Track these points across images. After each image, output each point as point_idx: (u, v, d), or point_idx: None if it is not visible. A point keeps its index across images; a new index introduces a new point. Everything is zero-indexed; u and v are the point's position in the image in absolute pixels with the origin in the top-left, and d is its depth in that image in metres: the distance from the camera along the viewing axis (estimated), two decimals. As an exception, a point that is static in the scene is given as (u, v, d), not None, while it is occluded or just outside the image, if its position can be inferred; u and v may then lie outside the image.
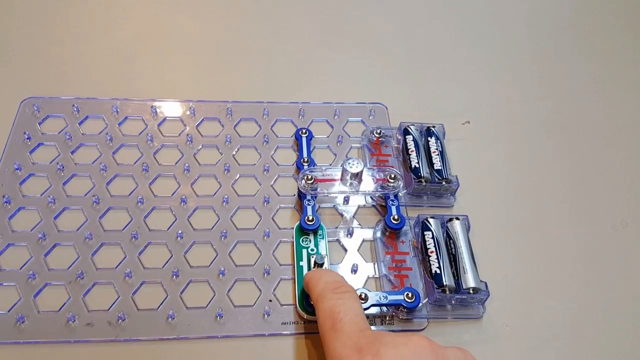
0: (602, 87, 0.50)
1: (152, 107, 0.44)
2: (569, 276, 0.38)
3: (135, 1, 0.52)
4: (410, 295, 0.34)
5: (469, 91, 0.48)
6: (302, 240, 0.37)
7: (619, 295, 0.38)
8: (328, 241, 0.38)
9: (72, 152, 0.40)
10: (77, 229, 0.37)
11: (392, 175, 0.39)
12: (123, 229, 0.37)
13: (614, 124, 0.47)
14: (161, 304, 0.34)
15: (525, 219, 0.41)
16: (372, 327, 0.35)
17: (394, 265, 0.37)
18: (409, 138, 0.42)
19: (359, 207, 0.40)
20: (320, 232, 0.38)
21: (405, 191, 0.40)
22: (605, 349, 0.35)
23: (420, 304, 0.35)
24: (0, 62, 0.46)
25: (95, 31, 0.49)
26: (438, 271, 0.35)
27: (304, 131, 0.43)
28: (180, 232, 0.37)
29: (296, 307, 0.35)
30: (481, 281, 0.35)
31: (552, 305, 0.37)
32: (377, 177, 0.40)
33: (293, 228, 0.38)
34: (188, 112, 0.44)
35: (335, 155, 0.43)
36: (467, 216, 0.38)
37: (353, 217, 0.40)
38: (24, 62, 0.46)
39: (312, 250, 0.37)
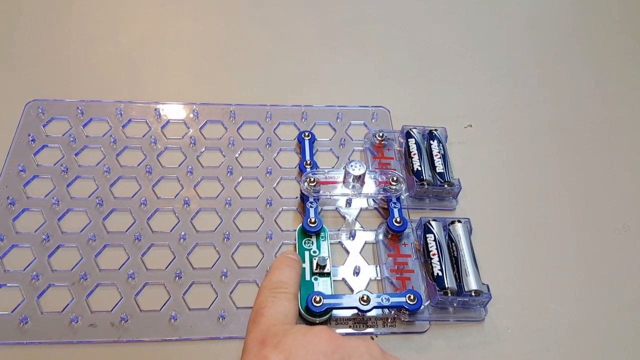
0: (604, 91, 0.50)
1: (155, 109, 0.44)
2: (571, 279, 0.38)
3: (139, 5, 0.52)
4: (412, 297, 0.34)
5: (471, 95, 0.49)
6: (305, 243, 0.37)
7: (621, 298, 0.38)
8: (330, 243, 0.38)
9: (76, 154, 0.41)
10: (81, 231, 0.37)
11: (395, 178, 0.39)
12: (126, 231, 0.37)
13: (616, 128, 0.47)
14: (164, 305, 0.34)
15: (527, 222, 0.41)
16: (372, 330, 0.35)
17: (396, 268, 0.37)
18: (412, 141, 0.42)
19: (361, 209, 0.40)
20: (322, 234, 0.38)
21: (407, 194, 0.40)
22: (607, 352, 0.35)
23: (422, 307, 0.35)
24: (6, 65, 0.46)
25: (99, 34, 0.49)
26: (440, 274, 0.35)
27: (306, 134, 0.43)
28: (183, 233, 0.37)
29: (299, 308, 0.35)
30: (483, 284, 0.35)
31: (554, 308, 0.37)
32: (380, 180, 0.40)
33: (295, 230, 0.38)
34: (191, 115, 0.44)
35: (338, 158, 0.43)
36: (469, 219, 0.39)
37: (355, 219, 0.40)
38: (29, 64, 0.46)
39: (314, 252, 0.37)
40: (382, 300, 0.34)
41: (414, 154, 0.41)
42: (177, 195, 0.39)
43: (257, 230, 0.38)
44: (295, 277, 0.31)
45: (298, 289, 0.31)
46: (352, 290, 0.36)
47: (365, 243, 0.39)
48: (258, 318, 0.28)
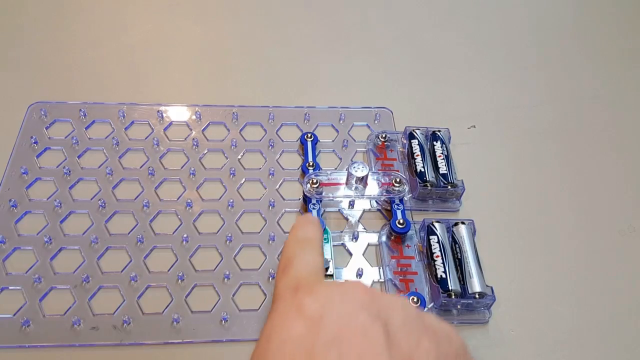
0: (608, 91, 0.50)
1: (158, 111, 0.44)
2: (576, 281, 0.38)
3: (141, 7, 0.52)
4: (415, 299, 0.34)
5: (475, 96, 0.48)
6: (307, 245, 0.37)
7: (625, 300, 0.37)
8: (333, 245, 0.38)
9: (79, 157, 0.41)
10: (83, 233, 0.37)
11: (398, 180, 0.39)
12: (129, 233, 0.37)
13: (620, 129, 0.47)
14: (166, 307, 0.34)
15: (531, 223, 0.41)
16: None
17: (399, 270, 0.37)
18: (415, 142, 0.42)
19: (364, 211, 0.40)
20: (325, 236, 0.38)
21: (410, 195, 0.40)
22: (612, 355, 0.35)
23: (426, 309, 0.34)
24: (8, 68, 0.46)
25: (102, 37, 0.49)
26: (444, 276, 0.35)
27: (309, 135, 0.43)
28: (185, 236, 0.37)
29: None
30: (487, 286, 0.35)
31: (559, 310, 0.37)
32: (383, 181, 0.40)
33: (298, 232, 0.38)
34: (194, 117, 0.44)
35: (341, 159, 0.43)
36: (472, 220, 0.38)
37: (358, 221, 0.40)
38: (32, 67, 0.46)
39: (317, 254, 0.37)
40: (385, 302, 0.34)
41: (417, 155, 0.41)
42: (179, 198, 0.39)
43: (259, 232, 0.38)
44: (319, 234, 0.31)
45: (322, 247, 0.31)
46: (355, 293, 0.36)
47: (368, 245, 0.38)
48: (287, 269, 0.27)
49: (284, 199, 0.40)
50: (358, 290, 0.25)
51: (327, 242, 0.37)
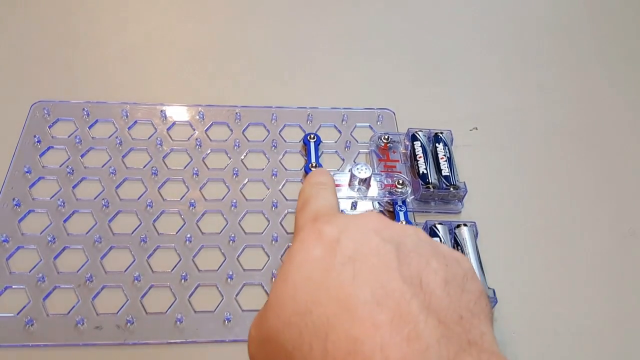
0: (612, 93, 0.50)
1: (161, 111, 0.44)
2: (578, 284, 0.38)
3: (145, 6, 0.52)
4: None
5: (477, 97, 0.49)
6: (310, 245, 0.37)
7: (628, 303, 0.37)
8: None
9: (82, 156, 0.41)
10: (87, 233, 0.37)
11: (400, 181, 0.39)
12: (132, 233, 0.37)
13: (624, 130, 0.47)
14: (169, 307, 0.34)
15: (534, 225, 0.41)
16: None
17: (401, 271, 0.37)
18: (417, 144, 0.42)
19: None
20: (328, 237, 0.38)
21: (413, 197, 0.40)
22: (614, 357, 0.35)
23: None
24: (11, 66, 0.46)
25: (105, 36, 0.49)
26: (446, 277, 0.35)
27: (312, 136, 0.43)
28: (188, 236, 0.37)
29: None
30: (489, 288, 0.35)
31: (561, 312, 0.37)
32: (385, 183, 0.40)
33: (301, 233, 0.38)
34: (197, 117, 0.44)
35: (343, 160, 0.43)
36: (475, 222, 0.38)
37: (361, 222, 0.40)
38: (35, 65, 0.46)
39: (320, 255, 0.37)
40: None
41: (420, 157, 0.41)
42: (182, 197, 0.39)
43: (262, 233, 0.38)
44: (332, 181, 0.33)
45: (335, 191, 0.32)
46: (357, 294, 0.36)
47: (371, 246, 0.39)
48: (305, 206, 0.29)
49: (286, 200, 0.40)
50: (373, 218, 0.26)
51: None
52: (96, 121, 0.43)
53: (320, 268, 0.24)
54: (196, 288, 0.35)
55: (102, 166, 0.40)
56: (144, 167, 0.41)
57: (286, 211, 0.40)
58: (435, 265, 0.24)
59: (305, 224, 0.27)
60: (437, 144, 0.42)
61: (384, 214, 0.40)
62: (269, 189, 0.41)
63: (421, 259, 0.24)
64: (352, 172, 0.38)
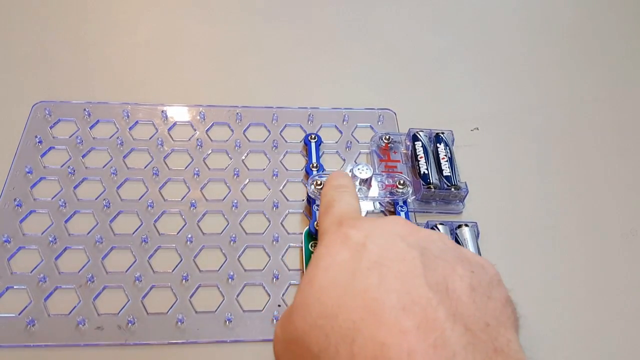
0: (614, 93, 0.50)
1: (162, 111, 0.44)
2: (580, 284, 0.38)
3: (145, 6, 0.52)
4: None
5: (478, 97, 0.48)
6: (311, 246, 0.37)
7: (629, 304, 0.37)
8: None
9: (83, 156, 0.41)
10: (88, 233, 0.37)
11: (401, 181, 0.39)
12: (133, 233, 0.37)
13: (625, 132, 0.47)
14: (171, 308, 0.34)
15: (535, 226, 0.41)
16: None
17: (402, 272, 0.37)
18: (418, 144, 0.42)
19: (367, 212, 0.40)
20: (329, 237, 0.38)
21: (414, 197, 0.40)
22: (616, 358, 0.35)
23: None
24: (12, 67, 0.46)
25: (106, 36, 0.49)
26: (447, 278, 0.35)
27: (313, 136, 0.43)
28: (189, 236, 0.37)
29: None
30: (490, 288, 0.35)
31: (561, 313, 0.37)
32: (386, 183, 0.40)
33: (302, 233, 0.38)
34: (198, 117, 0.44)
35: (344, 160, 0.43)
36: (476, 223, 0.38)
37: (362, 222, 0.40)
38: (36, 66, 0.46)
39: (321, 255, 0.37)
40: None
41: (421, 157, 0.41)
42: (183, 198, 0.39)
43: (263, 233, 0.38)
44: (353, 183, 0.33)
45: (356, 193, 0.33)
46: (358, 294, 0.36)
47: (372, 246, 0.38)
48: (329, 209, 0.30)
49: (287, 200, 0.40)
50: (398, 223, 0.26)
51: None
52: (97, 121, 0.43)
53: (346, 272, 0.24)
54: (197, 288, 0.35)
55: (103, 166, 0.40)
56: (145, 167, 0.41)
57: (287, 211, 0.40)
58: (461, 271, 0.24)
59: (330, 228, 0.28)
60: (438, 144, 0.42)
61: (385, 214, 0.40)
62: (269, 189, 0.41)
63: (447, 265, 0.24)
64: (353, 173, 0.38)
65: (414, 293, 0.22)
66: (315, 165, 0.41)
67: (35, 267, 0.35)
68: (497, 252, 0.39)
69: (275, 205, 0.40)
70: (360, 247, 0.25)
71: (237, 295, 0.35)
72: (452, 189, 0.40)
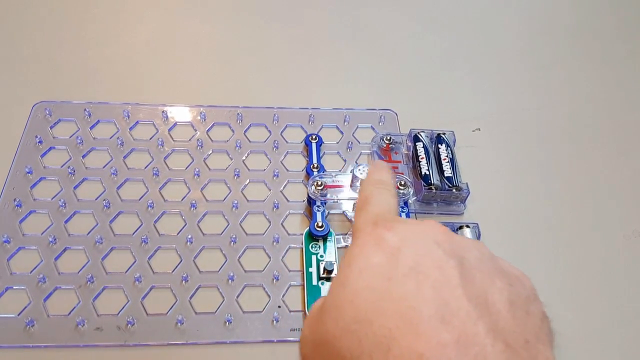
0: (615, 94, 0.50)
1: (162, 112, 0.44)
2: (582, 285, 0.38)
3: (146, 7, 0.52)
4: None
5: (480, 98, 0.48)
6: (312, 247, 0.37)
7: (630, 305, 0.37)
8: (337, 247, 0.37)
9: (83, 156, 0.41)
10: (88, 233, 0.37)
11: (402, 182, 0.39)
12: (133, 234, 0.37)
13: (626, 132, 0.47)
14: (170, 308, 0.34)
15: (536, 227, 0.41)
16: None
17: (403, 273, 0.37)
18: (419, 145, 0.42)
19: (368, 213, 0.40)
20: (329, 238, 0.38)
21: (415, 198, 0.40)
22: (617, 359, 0.35)
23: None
24: (13, 67, 0.46)
25: (106, 36, 0.49)
26: (448, 279, 0.35)
27: (313, 137, 0.43)
28: (189, 237, 0.37)
29: (305, 313, 0.34)
30: (491, 289, 0.35)
31: (562, 314, 0.36)
32: (387, 184, 0.39)
33: (302, 234, 0.38)
34: (198, 117, 0.44)
35: (345, 161, 0.43)
36: (477, 224, 0.38)
37: (362, 223, 0.40)
38: (36, 66, 0.46)
39: (321, 256, 0.37)
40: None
41: (422, 158, 0.41)
42: (184, 198, 0.39)
43: (263, 234, 0.38)
44: (392, 179, 0.32)
45: (395, 191, 0.32)
46: (359, 295, 0.36)
47: (373, 247, 0.38)
48: (366, 206, 0.29)
49: (288, 201, 0.40)
50: (435, 229, 0.25)
51: (332, 244, 0.37)
52: (98, 122, 0.43)
53: (382, 277, 0.23)
54: (197, 289, 0.35)
55: (104, 167, 0.40)
56: (145, 167, 0.41)
57: (288, 212, 0.39)
58: (499, 284, 0.23)
59: (365, 227, 0.27)
60: (439, 145, 0.42)
61: (386, 215, 0.40)
62: (270, 190, 0.41)
63: (485, 276, 0.23)
64: (354, 173, 0.38)
65: (453, 304, 0.21)
66: (316, 165, 0.41)
67: (34, 268, 0.35)
68: (499, 253, 0.38)
69: (275, 206, 0.39)
70: (396, 251, 0.24)
71: (237, 296, 0.35)
72: (454, 190, 0.40)
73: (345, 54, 0.51)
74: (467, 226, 0.38)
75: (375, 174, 0.32)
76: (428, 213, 0.40)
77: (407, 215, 0.38)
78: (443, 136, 0.42)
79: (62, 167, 0.40)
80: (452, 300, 0.22)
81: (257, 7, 0.54)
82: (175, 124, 0.43)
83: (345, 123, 0.45)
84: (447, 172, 0.40)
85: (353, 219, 0.38)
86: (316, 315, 0.25)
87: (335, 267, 0.36)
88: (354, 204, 0.40)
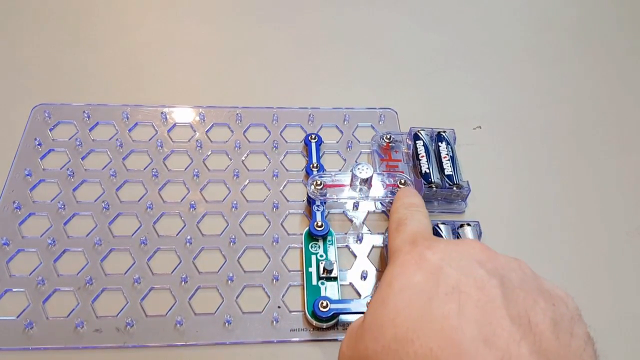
0: (617, 92, 0.49)
1: (162, 113, 0.44)
2: (582, 283, 0.38)
3: (145, 8, 0.52)
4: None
5: (480, 96, 0.48)
6: (311, 247, 0.37)
7: (632, 303, 0.37)
8: (337, 247, 0.37)
9: (83, 158, 0.41)
10: (87, 235, 0.37)
11: (402, 181, 0.39)
12: (132, 235, 0.37)
13: (628, 129, 0.47)
14: (170, 310, 0.34)
15: (538, 225, 0.40)
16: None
17: (404, 272, 0.36)
18: (419, 143, 0.41)
19: (368, 212, 0.40)
20: (329, 238, 0.37)
21: (415, 197, 0.40)
22: (618, 358, 0.34)
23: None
24: (12, 69, 0.46)
25: (105, 38, 0.49)
26: (449, 278, 0.35)
27: (313, 136, 0.43)
28: (189, 237, 0.37)
29: (305, 314, 0.34)
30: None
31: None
32: (387, 183, 0.39)
33: (302, 234, 0.38)
34: (198, 118, 0.44)
35: (345, 160, 0.43)
36: (478, 222, 0.38)
37: (363, 223, 0.39)
38: (35, 68, 0.46)
39: (321, 256, 0.37)
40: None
41: (422, 156, 0.41)
42: (183, 199, 0.39)
43: (263, 234, 0.38)
44: (423, 202, 0.33)
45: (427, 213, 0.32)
46: (359, 295, 0.36)
47: (373, 247, 0.38)
48: (401, 227, 0.29)
49: (288, 201, 0.40)
50: (476, 248, 0.25)
51: (332, 244, 0.37)
52: (97, 123, 0.43)
53: (423, 295, 0.23)
54: (196, 290, 0.35)
55: (103, 168, 0.40)
56: (145, 169, 0.41)
57: (287, 212, 0.39)
58: (542, 304, 0.23)
59: (403, 246, 0.27)
60: (439, 143, 0.42)
61: (386, 214, 0.40)
62: (270, 190, 0.40)
63: (528, 296, 0.23)
64: (353, 172, 0.38)
65: (496, 325, 0.21)
66: (315, 165, 0.41)
67: (34, 270, 0.35)
68: (500, 251, 0.38)
69: (275, 206, 0.39)
70: (437, 270, 0.24)
71: (237, 297, 0.35)
72: (454, 188, 0.39)
73: (345, 53, 0.50)
74: (468, 224, 0.37)
75: (405, 198, 0.33)
76: (429, 211, 0.39)
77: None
78: (443, 134, 0.42)
79: (61, 169, 0.40)
80: (495, 320, 0.21)
81: (255, 7, 0.54)
82: (174, 125, 0.43)
83: (345, 122, 0.45)
84: (448, 170, 0.40)
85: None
86: (355, 334, 0.25)
87: (335, 266, 0.35)
88: (354, 203, 0.40)
